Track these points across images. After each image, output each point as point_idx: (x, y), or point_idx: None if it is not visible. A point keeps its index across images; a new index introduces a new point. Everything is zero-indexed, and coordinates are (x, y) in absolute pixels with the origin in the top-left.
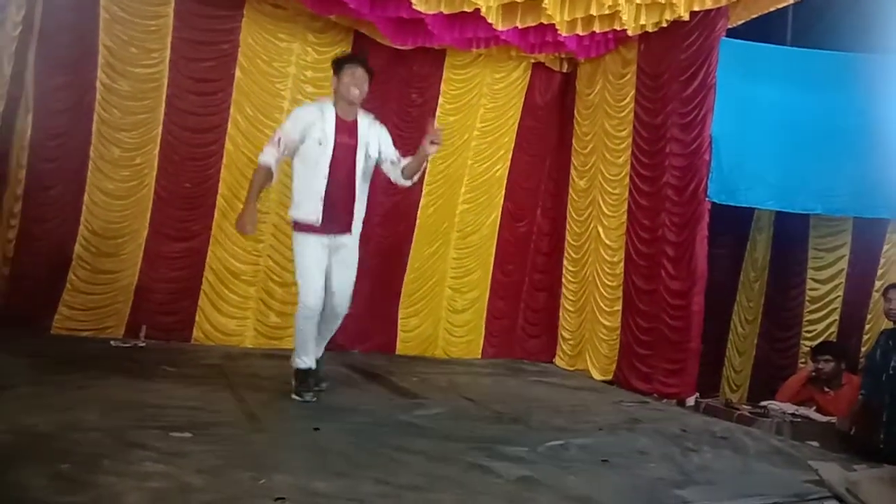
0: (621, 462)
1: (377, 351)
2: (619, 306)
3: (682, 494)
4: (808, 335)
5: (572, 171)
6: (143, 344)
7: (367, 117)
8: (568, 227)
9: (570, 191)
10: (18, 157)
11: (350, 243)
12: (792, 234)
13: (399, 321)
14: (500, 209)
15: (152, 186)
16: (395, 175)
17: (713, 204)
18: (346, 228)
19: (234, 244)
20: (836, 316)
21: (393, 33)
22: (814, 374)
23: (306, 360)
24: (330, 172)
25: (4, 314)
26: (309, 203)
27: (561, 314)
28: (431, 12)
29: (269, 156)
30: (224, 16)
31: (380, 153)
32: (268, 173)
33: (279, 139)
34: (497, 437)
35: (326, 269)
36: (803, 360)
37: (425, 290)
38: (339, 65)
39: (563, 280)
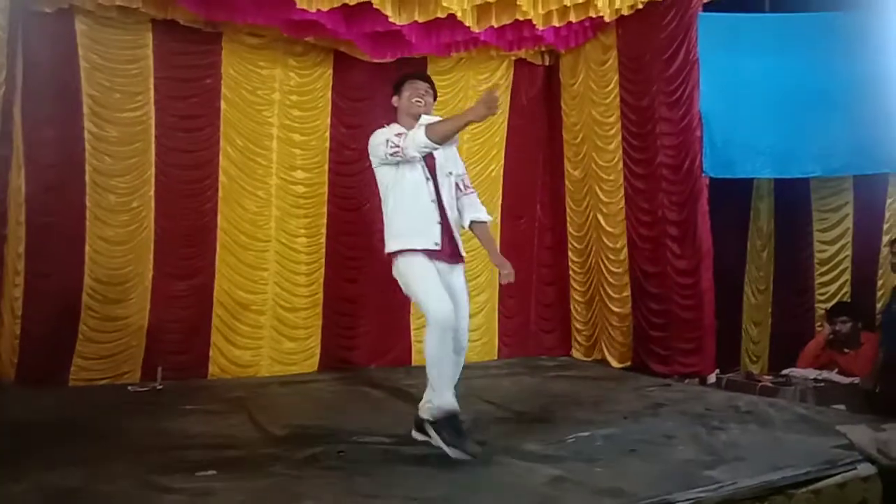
0: (649, 449)
1: (393, 365)
2: (627, 292)
3: (713, 475)
4: (822, 298)
5: (566, 163)
6: (161, 386)
7: None
8: (568, 218)
9: (566, 182)
10: (16, 214)
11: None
12: (793, 198)
13: (412, 332)
14: (500, 208)
15: (152, 228)
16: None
17: (711, 179)
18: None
19: (239, 276)
20: (847, 276)
21: (371, 48)
22: (831, 336)
23: (449, 397)
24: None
25: (21, 372)
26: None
27: (572, 306)
28: (407, 23)
29: (410, 140)
30: (203, 51)
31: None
32: (424, 132)
33: (396, 142)
34: (521, 437)
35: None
36: (819, 323)
37: None
38: (399, 83)
39: (570, 272)
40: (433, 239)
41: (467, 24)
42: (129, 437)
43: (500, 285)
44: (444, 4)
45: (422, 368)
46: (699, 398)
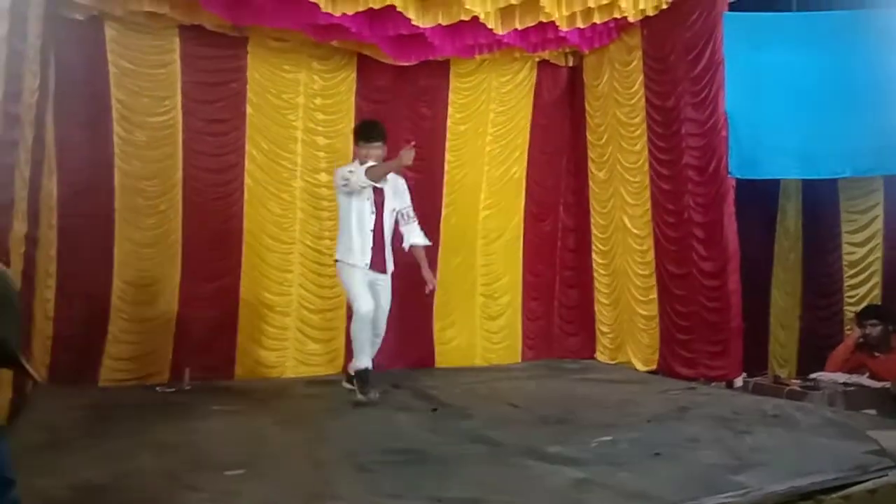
0: (673, 452)
1: (417, 367)
2: (654, 294)
3: (739, 479)
4: (851, 300)
5: (590, 164)
6: (189, 386)
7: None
8: (592, 220)
9: (591, 184)
10: (48, 217)
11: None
12: (821, 199)
13: (435, 334)
14: (522, 211)
15: (179, 231)
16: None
17: (737, 179)
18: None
19: (264, 277)
20: (877, 278)
21: (395, 51)
22: (861, 339)
23: (364, 359)
24: (375, 226)
25: (53, 372)
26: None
27: (596, 308)
28: (430, 25)
29: (356, 177)
30: (229, 55)
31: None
32: (372, 168)
33: (350, 175)
34: (545, 440)
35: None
36: (849, 326)
37: (457, 301)
38: (358, 134)
39: (595, 274)
40: (366, 259)
41: (490, 26)
42: (157, 436)
43: (524, 288)
44: (468, 7)
45: (446, 370)
46: (725, 401)
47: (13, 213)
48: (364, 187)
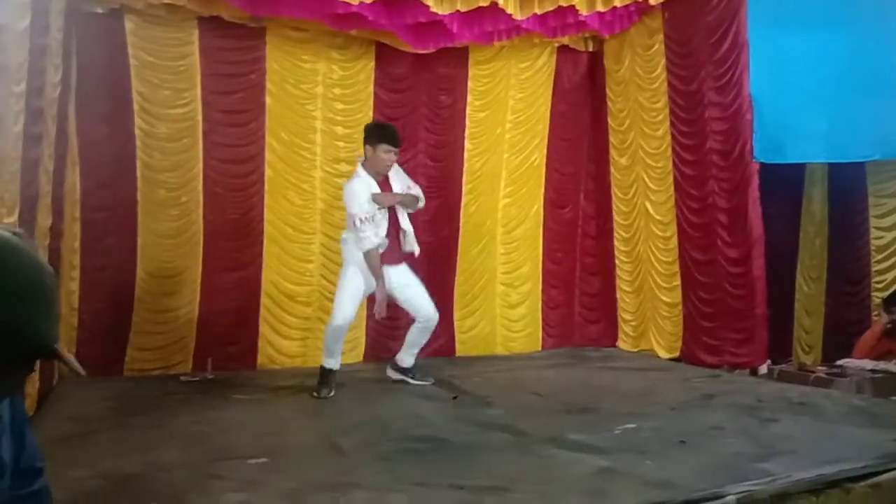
0: (698, 441)
1: (437, 356)
2: (677, 281)
3: (765, 467)
4: (879, 286)
5: (612, 150)
6: (212, 376)
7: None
8: (614, 206)
9: (612, 170)
10: (72, 210)
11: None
12: (848, 183)
13: (455, 323)
14: (542, 198)
15: (200, 222)
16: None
17: (762, 164)
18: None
19: (286, 268)
20: None
21: (413, 39)
22: (889, 325)
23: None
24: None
25: (79, 362)
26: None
27: (619, 296)
28: (448, 12)
29: (372, 236)
30: (247, 46)
31: None
32: (377, 252)
33: (367, 217)
34: (568, 428)
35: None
36: (876, 312)
37: (477, 290)
38: (373, 135)
39: (617, 261)
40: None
41: (509, 11)
42: (182, 425)
43: (545, 276)
44: None
45: (466, 359)
46: (750, 389)
47: (38, 206)
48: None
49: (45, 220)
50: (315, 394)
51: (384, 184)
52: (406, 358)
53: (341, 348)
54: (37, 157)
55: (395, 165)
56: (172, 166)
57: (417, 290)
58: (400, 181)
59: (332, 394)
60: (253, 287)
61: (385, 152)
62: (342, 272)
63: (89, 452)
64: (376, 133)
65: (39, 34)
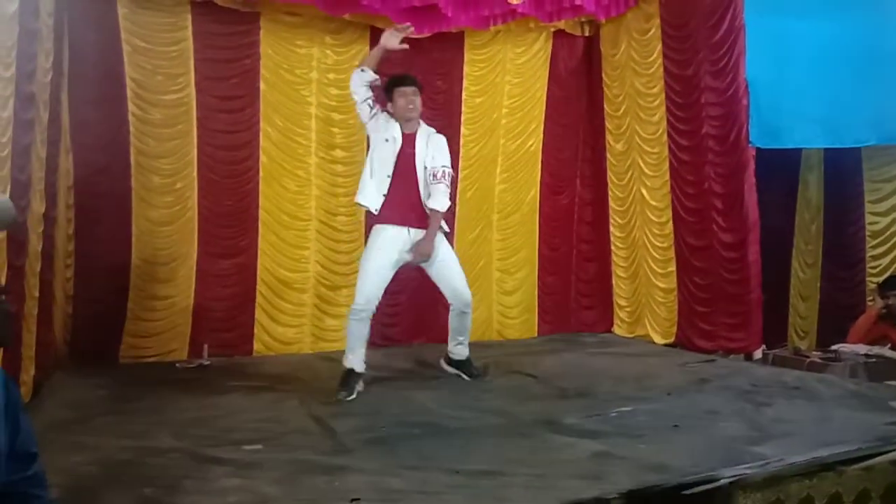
0: (693, 424)
1: (435, 341)
2: (672, 266)
3: (760, 451)
4: (874, 271)
5: (608, 136)
6: (208, 362)
7: (425, 131)
8: (610, 192)
9: (608, 156)
10: (65, 197)
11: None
12: (844, 168)
13: None
14: (539, 184)
15: (195, 209)
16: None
17: (758, 149)
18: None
19: (281, 254)
20: None
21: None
22: (884, 310)
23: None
24: (394, 174)
25: (74, 350)
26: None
27: (614, 282)
28: None
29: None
30: (241, 31)
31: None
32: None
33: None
34: (564, 412)
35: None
36: (871, 297)
37: (473, 276)
38: (389, 89)
39: (612, 247)
40: (376, 206)
41: None
42: (178, 412)
43: (541, 262)
44: None
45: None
46: (745, 374)
47: (31, 192)
48: (356, 92)
49: (38, 206)
50: (338, 395)
51: (408, 141)
52: (455, 349)
53: (364, 344)
54: (28, 143)
55: (436, 135)
56: (166, 152)
57: (455, 270)
58: (431, 148)
59: (350, 397)
60: (248, 274)
61: (400, 96)
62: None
63: (85, 438)
64: (388, 84)
65: (30, 18)
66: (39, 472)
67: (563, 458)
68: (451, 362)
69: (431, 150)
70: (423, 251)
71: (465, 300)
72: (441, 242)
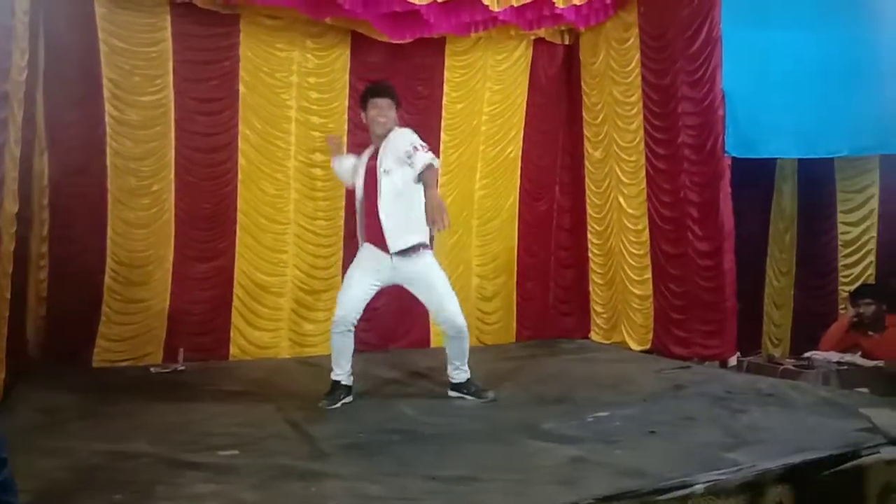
0: (668, 430)
1: (413, 347)
2: (648, 274)
3: (733, 457)
4: (846, 280)
5: (586, 144)
6: (183, 367)
7: (390, 135)
8: (588, 199)
9: (587, 163)
10: (39, 198)
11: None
12: (818, 179)
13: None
14: (518, 190)
15: (172, 211)
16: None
17: (734, 159)
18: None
19: (259, 258)
20: (871, 257)
21: (389, 29)
22: (856, 319)
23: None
24: (364, 195)
25: (46, 353)
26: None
27: (591, 288)
28: (425, 2)
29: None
30: (221, 33)
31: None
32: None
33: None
34: (541, 418)
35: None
36: (843, 306)
37: (452, 281)
38: (364, 98)
39: (590, 254)
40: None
41: (486, 2)
42: (152, 417)
43: (519, 268)
44: None
45: (441, 350)
46: (719, 380)
47: (4, 192)
48: (342, 176)
49: (11, 205)
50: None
51: (374, 154)
52: (454, 373)
53: (348, 357)
54: (2, 142)
55: (397, 130)
56: (144, 154)
57: (447, 295)
58: (389, 147)
59: (333, 406)
60: (225, 277)
61: (373, 107)
62: (434, 265)
63: (56, 443)
64: (364, 93)
65: (4, 15)
66: (9, 478)
67: (540, 464)
68: (452, 387)
69: (389, 148)
70: (434, 216)
71: (457, 326)
72: (433, 266)
